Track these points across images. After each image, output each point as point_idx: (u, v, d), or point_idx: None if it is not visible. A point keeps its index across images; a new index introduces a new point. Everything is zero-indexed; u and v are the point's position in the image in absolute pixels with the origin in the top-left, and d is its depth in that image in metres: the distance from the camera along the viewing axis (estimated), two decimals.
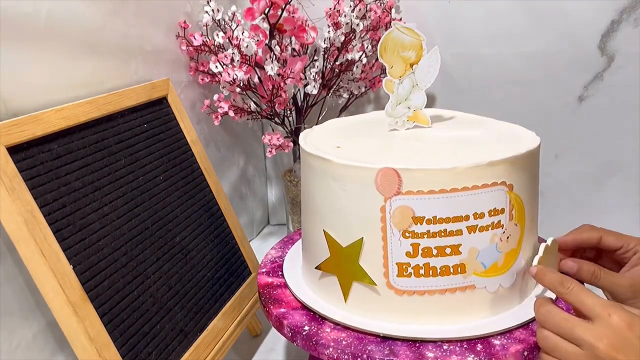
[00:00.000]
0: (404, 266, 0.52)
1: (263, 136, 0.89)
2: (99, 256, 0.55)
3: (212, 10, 0.83)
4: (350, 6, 0.86)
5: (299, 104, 0.93)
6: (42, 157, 0.53)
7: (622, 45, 0.85)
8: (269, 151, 0.89)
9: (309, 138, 0.63)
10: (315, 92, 0.87)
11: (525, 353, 0.51)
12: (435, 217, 0.51)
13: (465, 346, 0.51)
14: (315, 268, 0.59)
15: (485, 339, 0.52)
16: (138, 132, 0.66)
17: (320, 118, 0.96)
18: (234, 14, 0.84)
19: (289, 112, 0.92)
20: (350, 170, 0.53)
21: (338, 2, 0.86)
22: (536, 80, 0.90)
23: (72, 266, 0.52)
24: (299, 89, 0.91)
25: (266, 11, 0.82)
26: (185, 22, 0.81)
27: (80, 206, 0.55)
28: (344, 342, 0.52)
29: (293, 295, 0.61)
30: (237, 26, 0.82)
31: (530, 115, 0.91)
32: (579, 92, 0.89)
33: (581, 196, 0.95)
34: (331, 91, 0.93)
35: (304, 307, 0.59)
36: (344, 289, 0.56)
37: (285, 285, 0.63)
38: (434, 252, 0.52)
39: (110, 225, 0.58)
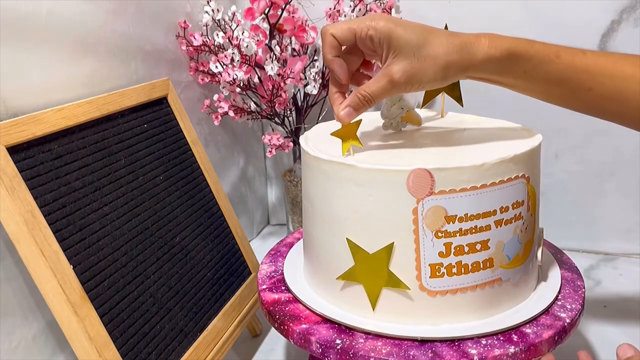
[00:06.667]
0: (436, 267, 0.52)
1: (263, 136, 0.89)
2: (99, 256, 0.55)
3: (212, 10, 0.83)
4: (350, 6, 0.86)
5: (299, 104, 0.93)
6: (42, 157, 0.53)
7: (622, 45, 0.85)
8: (269, 151, 0.89)
9: (310, 144, 0.60)
10: (315, 92, 0.87)
11: (556, 338, 0.53)
12: (467, 214, 0.51)
13: (502, 338, 0.52)
14: (337, 279, 0.56)
15: (517, 329, 0.53)
16: (138, 132, 0.66)
17: (320, 118, 0.96)
18: (234, 14, 0.84)
19: (289, 112, 0.92)
20: (378, 175, 0.52)
21: (338, 2, 0.86)
22: None
23: (72, 266, 0.52)
24: (299, 89, 0.91)
25: (266, 11, 0.82)
26: (185, 22, 0.81)
27: (80, 206, 0.55)
28: (383, 351, 0.51)
29: (310, 310, 0.58)
30: (237, 26, 0.82)
31: (530, 115, 0.91)
32: None
33: (581, 196, 0.95)
34: None
35: (327, 321, 0.56)
36: (371, 297, 0.54)
37: (295, 300, 0.60)
38: (466, 249, 0.52)
39: (110, 225, 0.58)
